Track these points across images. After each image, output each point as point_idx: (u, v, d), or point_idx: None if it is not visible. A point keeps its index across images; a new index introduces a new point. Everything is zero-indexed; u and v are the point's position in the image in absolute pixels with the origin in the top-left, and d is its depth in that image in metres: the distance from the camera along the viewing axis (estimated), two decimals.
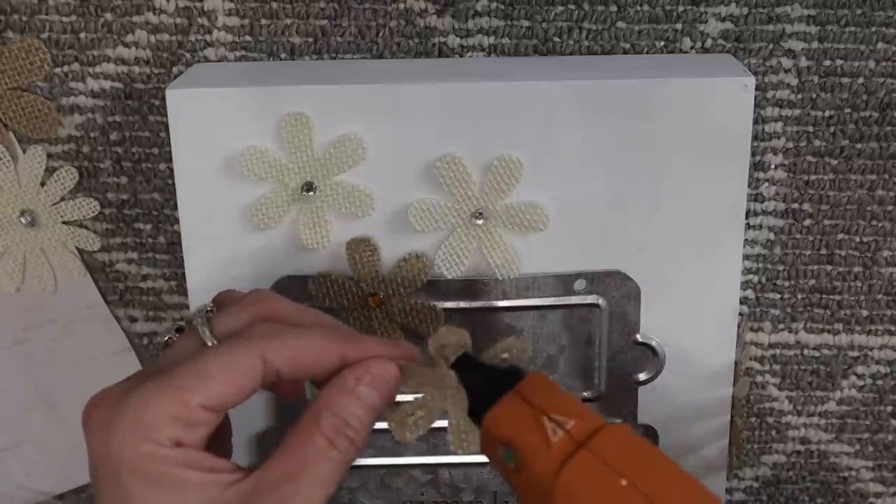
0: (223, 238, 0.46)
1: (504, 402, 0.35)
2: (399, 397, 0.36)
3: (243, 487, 0.33)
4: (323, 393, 0.34)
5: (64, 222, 0.50)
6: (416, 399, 0.36)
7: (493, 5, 0.47)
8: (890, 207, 0.49)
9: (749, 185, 0.48)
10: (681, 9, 0.46)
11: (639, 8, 0.46)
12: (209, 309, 0.36)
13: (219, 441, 0.36)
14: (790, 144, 0.48)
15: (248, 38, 0.47)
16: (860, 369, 0.52)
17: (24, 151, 0.49)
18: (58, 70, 0.48)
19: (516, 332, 0.48)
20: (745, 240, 0.50)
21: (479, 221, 0.46)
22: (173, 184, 0.47)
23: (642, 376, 0.49)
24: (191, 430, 0.32)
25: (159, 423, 0.32)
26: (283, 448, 0.34)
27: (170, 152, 0.48)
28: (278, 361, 0.34)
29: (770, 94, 0.47)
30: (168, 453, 0.32)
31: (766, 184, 0.49)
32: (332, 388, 0.34)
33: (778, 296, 0.51)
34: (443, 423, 0.51)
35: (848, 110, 0.48)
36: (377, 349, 0.35)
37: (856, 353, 0.52)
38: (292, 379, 0.35)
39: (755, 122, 0.47)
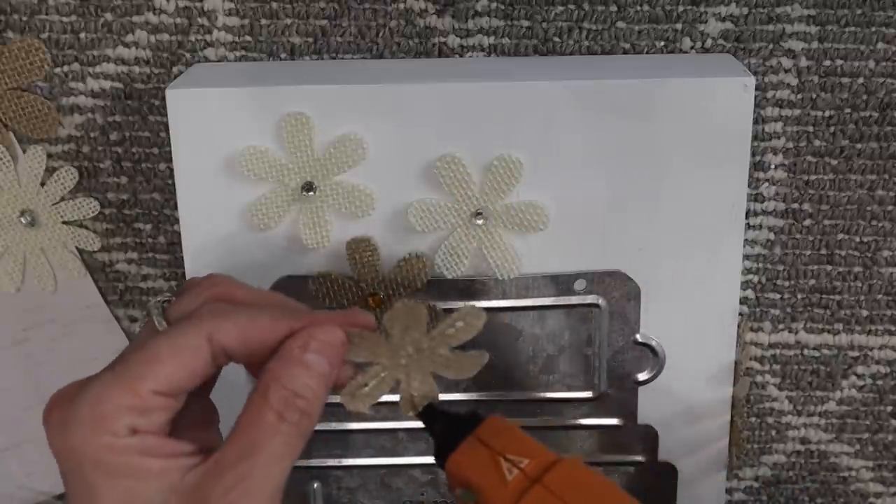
0: (223, 238, 0.46)
1: (464, 447, 0.37)
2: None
3: (202, 470, 0.33)
4: (270, 365, 0.34)
5: (64, 222, 0.50)
6: (366, 370, 0.37)
7: (493, 5, 0.47)
8: (890, 207, 0.49)
9: (749, 185, 0.48)
10: (681, 9, 0.46)
11: (639, 8, 0.46)
12: (167, 299, 0.36)
13: (204, 427, 0.36)
14: (790, 144, 0.48)
15: (248, 38, 0.47)
16: (860, 369, 0.52)
17: (24, 151, 0.49)
18: (58, 70, 0.48)
19: (516, 331, 0.48)
20: (745, 240, 0.50)
21: (479, 221, 0.46)
22: (173, 184, 0.47)
23: (642, 376, 0.49)
24: (146, 417, 0.32)
25: (114, 413, 0.32)
26: (237, 426, 0.33)
27: (170, 152, 0.48)
28: (226, 339, 0.33)
29: (770, 94, 0.47)
30: (126, 443, 0.32)
31: (766, 184, 0.49)
32: (278, 359, 0.34)
33: (778, 296, 0.51)
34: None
35: (848, 110, 0.48)
36: (326, 319, 0.35)
37: (856, 353, 0.52)
38: (245, 359, 0.34)
39: (755, 122, 0.47)
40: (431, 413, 0.38)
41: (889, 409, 0.53)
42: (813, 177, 0.49)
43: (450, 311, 0.48)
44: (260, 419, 0.33)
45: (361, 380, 0.36)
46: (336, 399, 0.37)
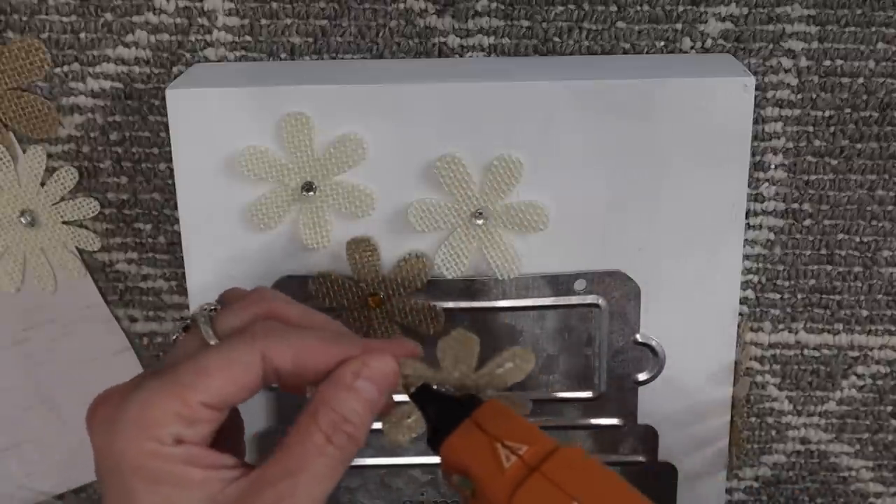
0: (223, 238, 0.46)
1: (460, 431, 0.36)
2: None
3: (243, 484, 0.33)
4: (321, 388, 0.34)
5: (64, 222, 0.50)
6: (410, 402, 0.37)
7: (493, 5, 0.47)
8: (890, 207, 0.49)
9: (749, 185, 0.48)
10: (681, 9, 0.46)
11: (639, 8, 0.46)
12: (213, 307, 0.37)
13: (230, 438, 0.36)
14: (790, 144, 0.48)
15: (248, 38, 0.47)
16: (860, 369, 0.52)
17: (24, 151, 0.49)
18: (58, 70, 0.48)
19: (516, 331, 0.48)
20: (745, 240, 0.50)
21: (479, 221, 0.46)
22: (173, 184, 0.47)
23: (642, 376, 0.49)
24: (193, 428, 0.32)
25: (161, 420, 0.32)
26: (283, 445, 0.34)
27: (170, 152, 0.48)
28: (278, 359, 0.34)
29: (770, 94, 0.47)
30: (170, 451, 0.32)
31: (766, 184, 0.49)
32: (330, 383, 0.34)
33: (778, 296, 0.51)
34: None
35: (848, 110, 0.48)
36: (379, 347, 0.35)
37: (856, 353, 0.52)
38: (293, 379, 0.35)
39: (755, 122, 0.47)
40: (426, 394, 0.37)
41: (889, 409, 0.53)
42: (813, 177, 0.49)
43: (450, 310, 0.48)
44: (307, 439, 0.33)
45: (406, 410, 0.36)
46: None
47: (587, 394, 0.50)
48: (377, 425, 0.50)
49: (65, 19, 0.47)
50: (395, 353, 0.36)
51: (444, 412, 0.37)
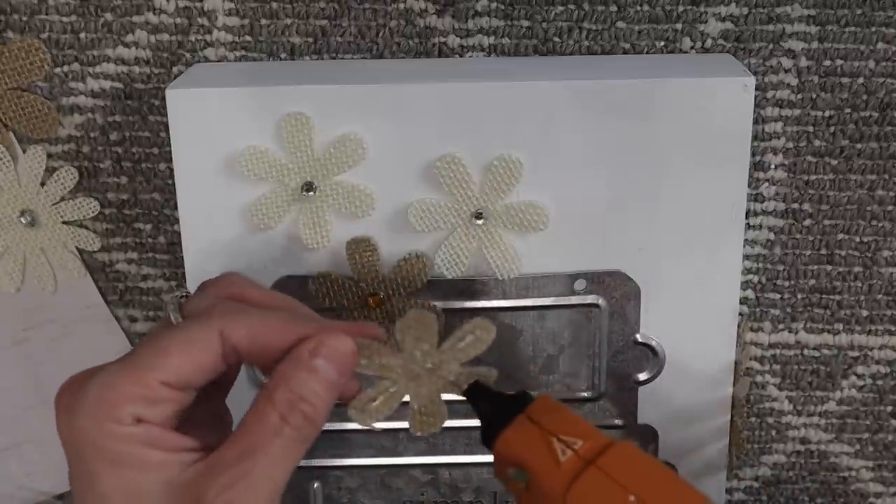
0: (223, 238, 0.46)
1: (515, 426, 0.36)
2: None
3: (201, 467, 0.33)
4: (279, 368, 0.34)
5: (64, 222, 0.50)
6: (376, 384, 0.36)
7: (493, 5, 0.47)
8: (890, 207, 0.49)
9: (749, 185, 0.48)
10: (681, 9, 0.46)
11: (639, 8, 0.46)
12: (184, 294, 0.37)
13: (217, 430, 0.36)
14: (790, 144, 0.48)
15: (248, 38, 0.47)
16: (860, 369, 0.52)
17: (24, 151, 0.49)
18: (58, 70, 0.48)
19: (516, 331, 0.48)
20: (745, 240, 0.50)
21: (479, 221, 0.46)
22: (173, 184, 0.47)
23: (642, 376, 0.49)
24: (153, 408, 0.32)
25: (121, 400, 0.32)
26: (241, 426, 0.33)
27: (170, 152, 0.48)
28: (236, 337, 0.34)
29: (770, 94, 0.47)
30: (129, 431, 0.32)
31: (766, 184, 0.49)
32: (287, 362, 0.34)
33: (778, 296, 0.51)
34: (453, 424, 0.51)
35: (848, 110, 0.48)
36: (337, 328, 0.35)
37: (856, 353, 0.52)
38: (254, 358, 0.35)
39: (755, 122, 0.47)
40: (478, 391, 0.37)
41: (889, 409, 0.53)
42: (813, 177, 0.49)
43: (448, 311, 0.48)
44: (263, 419, 0.33)
45: (371, 393, 0.36)
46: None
47: (587, 394, 0.50)
48: (382, 425, 0.50)
49: (65, 19, 0.47)
50: (354, 334, 0.35)
51: (496, 408, 0.37)
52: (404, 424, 0.50)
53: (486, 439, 0.37)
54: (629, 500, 0.34)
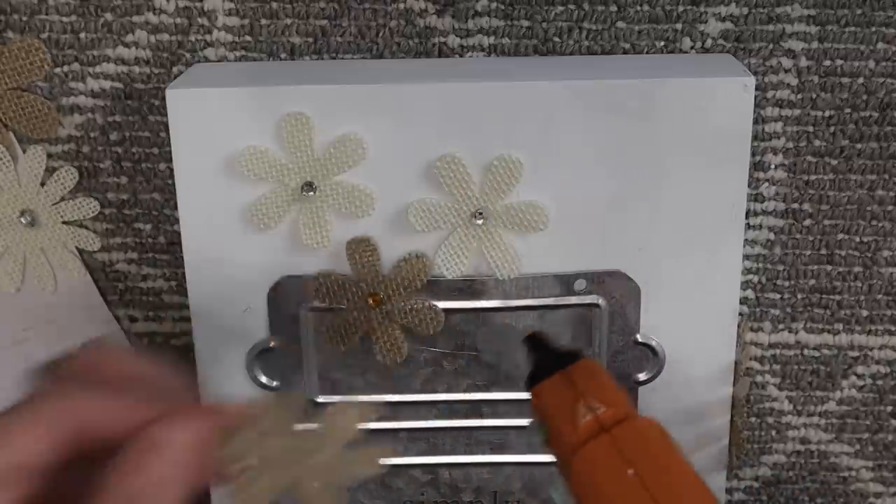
0: (223, 238, 0.46)
1: (552, 381, 0.38)
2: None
3: None
4: (110, 462, 0.30)
5: (64, 222, 0.50)
6: (247, 473, 0.32)
7: (493, 5, 0.47)
8: (890, 207, 0.49)
9: (749, 185, 0.48)
10: (681, 9, 0.46)
11: (639, 8, 0.46)
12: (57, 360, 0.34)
13: None
14: (790, 144, 0.48)
15: (248, 38, 0.47)
16: (860, 369, 0.52)
17: (24, 151, 0.49)
18: (58, 70, 0.48)
19: (516, 331, 0.48)
20: (745, 240, 0.50)
21: (479, 221, 0.46)
22: (173, 184, 0.47)
23: (642, 376, 0.49)
24: None
25: None
26: None
27: (170, 152, 0.48)
28: (66, 422, 0.31)
29: (770, 94, 0.47)
30: None
31: (766, 184, 0.49)
32: (118, 456, 0.30)
33: (778, 296, 0.51)
34: (441, 423, 0.51)
35: (848, 110, 0.48)
36: (182, 412, 0.31)
37: (856, 353, 0.52)
38: (99, 444, 0.31)
39: (755, 122, 0.47)
40: (536, 342, 0.41)
41: (889, 409, 0.53)
42: (813, 177, 0.49)
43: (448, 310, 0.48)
44: None
45: (245, 479, 0.32)
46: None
47: None
48: (382, 425, 0.50)
49: (65, 19, 0.47)
50: (208, 419, 0.31)
51: (544, 360, 0.39)
52: (404, 424, 0.50)
53: (529, 385, 0.39)
54: (627, 473, 0.34)
